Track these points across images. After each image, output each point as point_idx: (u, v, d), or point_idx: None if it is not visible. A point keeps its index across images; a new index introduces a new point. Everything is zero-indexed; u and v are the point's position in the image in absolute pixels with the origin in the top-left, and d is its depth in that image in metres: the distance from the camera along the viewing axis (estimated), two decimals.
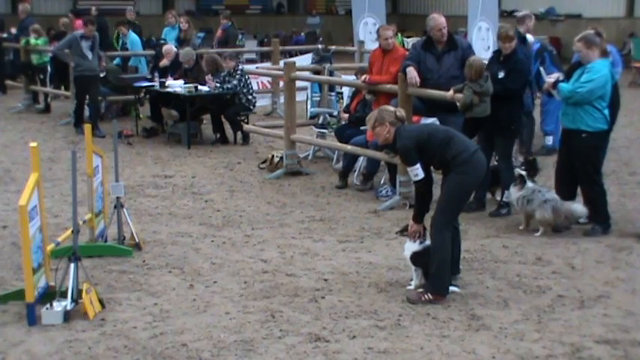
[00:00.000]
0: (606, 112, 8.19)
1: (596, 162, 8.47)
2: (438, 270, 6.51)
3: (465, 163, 6.50)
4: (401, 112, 6.76)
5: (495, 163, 9.32)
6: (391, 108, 6.88)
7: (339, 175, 10.53)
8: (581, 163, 8.38)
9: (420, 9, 34.15)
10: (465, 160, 6.50)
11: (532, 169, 9.40)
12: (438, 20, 9.37)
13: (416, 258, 6.72)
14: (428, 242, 6.73)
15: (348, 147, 10.34)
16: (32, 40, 16.75)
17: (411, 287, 6.75)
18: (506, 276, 7.14)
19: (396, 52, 9.82)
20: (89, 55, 13.74)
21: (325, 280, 7.02)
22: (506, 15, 28.00)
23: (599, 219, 8.45)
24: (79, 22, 18.95)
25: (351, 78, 12.31)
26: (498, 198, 9.25)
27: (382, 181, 10.38)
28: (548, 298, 6.64)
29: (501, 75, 8.84)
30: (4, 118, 15.80)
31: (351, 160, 10.52)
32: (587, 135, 8.21)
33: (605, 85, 8.11)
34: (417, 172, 6.52)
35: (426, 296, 6.49)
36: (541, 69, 9.65)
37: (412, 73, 9.13)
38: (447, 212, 6.63)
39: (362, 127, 10.31)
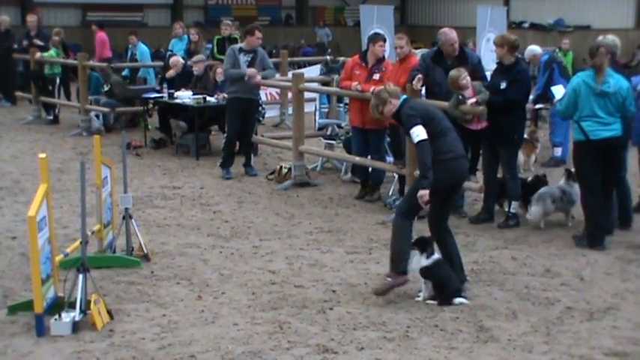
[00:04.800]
0: (584, 123, 8.15)
1: (580, 173, 8.47)
2: (394, 253, 6.79)
3: (444, 162, 6.62)
4: (390, 86, 7.05)
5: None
6: (381, 87, 7.15)
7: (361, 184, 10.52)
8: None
9: (429, 20, 34.20)
10: (446, 159, 6.63)
11: (541, 183, 9.43)
12: (449, 35, 9.36)
13: (425, 272, 6.72)
14: (437, 256, 6.73)
15: (357, 158, 10.34)
16: (45, 53, 16.82)
17: (419, 299, 6.75)
18: (514, 288, 7.12)
19: (408, 63, 9.74)
20: None
21: (333, 291, 7.01)
22: (514, 26, 28.05)
23: (588, 231, 8.40)
24: (101, 34, 19.13)
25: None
26: (507, 209, 9.22)
27: (391, 192, 10.38)
28: (557, 310, 6.61)
29: (503, 85, 8.84)
30: (14, 129, 15.85)
31: (365, 169, 10.48)
32: (573, 146, 8.51)
33: (574, 97, 8.19)
34: (419, 132, 6.56)
35: (388, 280, 6.77)
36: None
37: (418, 77, 9.15)
38: (407, 202, 6.87)
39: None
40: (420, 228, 8.16)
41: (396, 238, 6.84)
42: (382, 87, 7.05)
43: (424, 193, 6.55)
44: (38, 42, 17.60)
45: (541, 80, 12.50)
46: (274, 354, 5.73)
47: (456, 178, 6.82)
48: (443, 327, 6.21)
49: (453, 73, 8.79)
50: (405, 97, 6.95)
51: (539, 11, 30.17)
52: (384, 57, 10.26)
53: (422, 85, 9.24)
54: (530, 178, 9.78)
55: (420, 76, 9.14)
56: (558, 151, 12.52)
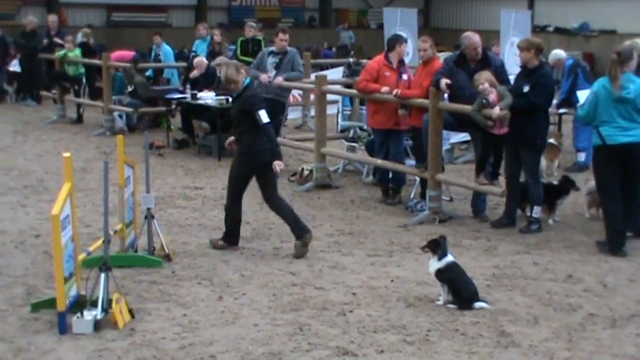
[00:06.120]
0: (601, 128, 8.10)
1: (598, 178, 8.44)
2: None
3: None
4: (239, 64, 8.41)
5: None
6: (234, 62, 8.56)
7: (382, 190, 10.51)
8: None
9: (453, 23, 34.11)
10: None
11: (570, 186, 9.40)
12: (472, 39, 9.31)
13: (439, 274, 6.71)
14: (451, 259, 6.71)
15: (379, 161, 10.32)
16: (69, 53, 16.95)
17: (440, 303, 6.72)
18: (536, 293, 7.08)
19: (432, 66, 9.71)
20: None
21: (354, 294, 7.01)
22: (538, 30, 27.88)
23: (608, 237, 8.33)
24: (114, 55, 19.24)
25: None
26: (528, 214, 9.17)
27: (412, 195, 10.36)
28: (579, 316, 6.57)
29: (526, 89, 8.79)
30: (39, 129, 15.99)
31: (386, 172, 10.46)
32: (592, 151, 8.50)
33: (595, 102, 8.16)
34: (265, 115, 7.92)
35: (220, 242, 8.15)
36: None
37: (443, 80, 9.11)
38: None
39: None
40: (434, 230, 8.16)
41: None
42: (236, 62, 8.15)
43: (279, 163, 7.95)
44: (58, 40, 17.76)
45: (565, 85, 12.43)
46: (294, 355, 5.73)
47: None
48: (463, 331, 6.19)
49: (476, 76, 8.77)
50: (250, 78, 8.05)
51: (563, 15, 29.96)
52: (403, 61, 10.27)
53: (448, 88, 9.20)
54: (555, 182, 9.72)
55: (447, 81, 9.10)
56: (582, 156, 12.43)
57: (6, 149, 13.74)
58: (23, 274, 7.40)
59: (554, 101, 11.20)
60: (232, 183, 8.20)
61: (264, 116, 7.88)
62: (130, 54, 17.29)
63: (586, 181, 9.94)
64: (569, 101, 12.25)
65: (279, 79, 11.55)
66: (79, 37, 18.84)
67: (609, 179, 8.24)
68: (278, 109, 11.84)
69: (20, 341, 5.92)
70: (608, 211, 8.30)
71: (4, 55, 19.51)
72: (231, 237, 8.28)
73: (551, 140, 11.46)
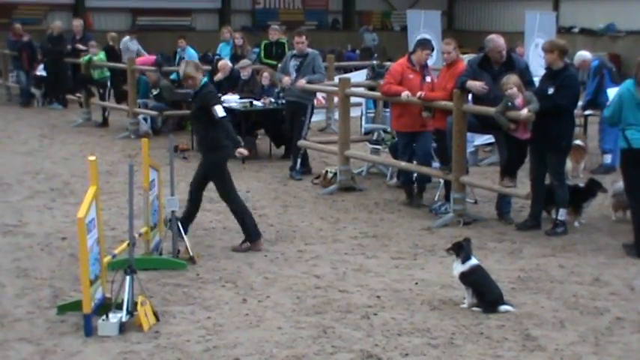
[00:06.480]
0: (627, 131, 8.05)
1: (626, 181, 8.39)
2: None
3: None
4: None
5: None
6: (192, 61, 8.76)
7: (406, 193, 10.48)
8: None
9: (477, 25, 33.94)
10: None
11: (597, 188, 9.32)
12: (497, 42, 9.25)
13: (463, 277, 6.68)
14: (475, 262, 6.68)
15: (402, 163, 10.29)
16: (94, 57, 17.08)
17: (465, 306, 6.69)
18: (562, 296, 7.02)
19: (455, 69, 9.67)
20: None
21: (378, 296, 6.99)
22: (564, 31, 27.67)
23: (636, 240, 8.24)
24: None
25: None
26: (554, 216, 9.10)
27: (436, 197, 10.32)
28: (607, 320, 6.50)
29: (551, 91, 8.73)
30: (65, 132, 16.13)
31: (410, 174, 10.43)
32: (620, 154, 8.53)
33: (620, 104, 8.11)
34: (221, 109, 8.24)
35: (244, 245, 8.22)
36: None
37: (474, 83, 9.07)
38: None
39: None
40: (459, 233, 8.12)
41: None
42: (196, 61, 8.54)
43: (241, 151, 8.41)
44: (80, 47, 17.91)
45: (591, 86, 12.33)
46: (318, 358, 5.73)
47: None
48: (488, 335, 6.15)
49: (504, 79, 8.70)
50: (207, 78, 8.31)
51: (589, 16, 29.70)
52: (426, 64, 10.24)
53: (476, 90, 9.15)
54: (582, 184, 9.64)
55: (480, 83, 9.05)
56: (608, 158, 12.32)
57: (33, 153, 13.88)
58: (50, 276, 7.46)
59: (580, 103, 11.12)
60: (220, 184, 8.36)
61: (219, 111, 8.12)
62: (151, 59, 17.40)
63: (612, 183, 9.86)
64: (595, 103, 12.16)
65: (302, 82, 11.57)
66: (127, 41, 19.67)
67: (637, 182, 8.18)
68: (300, 112, 11.86)
69: (47, 343, 5.97)
70: (637, 214, 8.23)
71: (32, 60, 19.70)
72: (252, 233, 8.34)
73: (578, 142, 11.37)
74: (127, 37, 21.04)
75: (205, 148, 8.38)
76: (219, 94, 13.78)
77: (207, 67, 16.75)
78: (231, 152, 8.37)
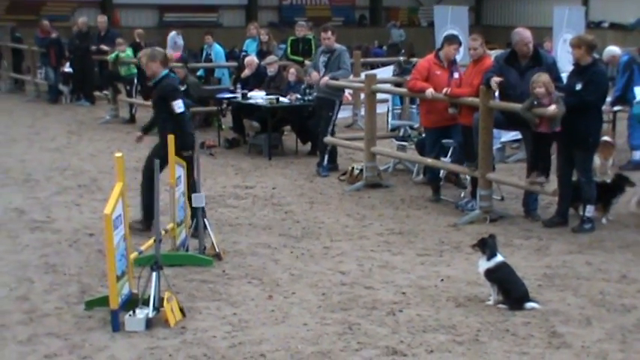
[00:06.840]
0: None
1: None
2: None
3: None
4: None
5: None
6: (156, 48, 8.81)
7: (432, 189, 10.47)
8: None
9: (504, 20, 33.76)
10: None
11: (625, 183, 9.25)
12: (523, 34, 9.17)
13: (489, 274, 6.65)
14: (500, 258, 6.65)
15: (429, 160, 10.27)
16: (121, 54, 17.19)
17: (490, 303, 6.67)
18: (588, 293, 6.98)
19: (482, 65, 9.59)
20: None
21: (403, 293, 6.99)
22: (593, 26, 27.43)
23: None
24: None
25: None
26: (581, 213, 9.04)
27: (463, 194, 10.29)
28: (634, 317, 6.45)
29: (579, 87, 8.65)
30: (92, 129, 16.26)
31: (437, 171, 10.40)
32: None
33: None
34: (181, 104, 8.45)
35: None
36: None
37: (495, 78, 9.02)
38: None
39: (444, 140, 10.28)
40: (485, 230, 8.07)
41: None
42: (154, 51, 8.64)
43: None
44: (104, 47, 18.02)
45: (620, 82, 12.19)
46: (343, 355, 5.74)
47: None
48: (514, 332, 6.13)
49: (535, 77, 8.60)
50: (167, 70, 8.52)
51: (619, 10, 29.43)
52: (455, 59, 10.21)
53: (498, 86, 9.10)
54: (609, 180, 9.56)
55: (498, 79, 8.99)
56: (637, 154, 12.20)
57: (61, 149, 14.01)
58: (77, 272, 7.54)
59: (609, 99, 11.01)
60: (153, 161, 8.01)
61: (177, 106, 8.34)
62: (176, 55, 17.47)
63: None
64: (624, 98, 12.02)
65: (325, 79, 11.59)
66: (174, 36, 20.28)
67: None
68: (328, 107, 11.86)
69: (75, 338, 6.03)
70: None
71: (60, 57, 19.87)
72: (148, 216, 8.40)
73: (606, 138, 11.26)
74: (173, 32, 21.12)
75: (162, 139, 8.24)
76: (245, 91, 13.90)
77: (234, 64, 16.88)
78: (190, 146, 8.28)
